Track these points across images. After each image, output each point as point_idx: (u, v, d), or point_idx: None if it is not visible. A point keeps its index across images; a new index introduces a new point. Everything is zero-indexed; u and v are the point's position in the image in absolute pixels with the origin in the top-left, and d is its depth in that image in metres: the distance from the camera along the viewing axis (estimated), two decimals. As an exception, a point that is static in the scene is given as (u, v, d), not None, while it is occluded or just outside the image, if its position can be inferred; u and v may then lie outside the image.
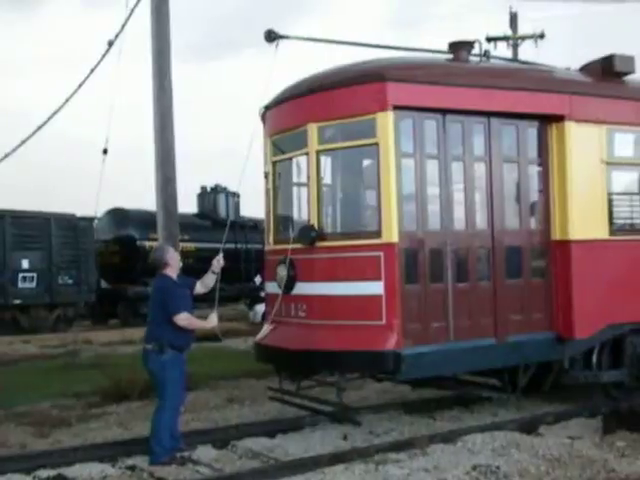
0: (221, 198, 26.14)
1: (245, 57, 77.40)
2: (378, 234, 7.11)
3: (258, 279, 17.73)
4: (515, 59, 17.71)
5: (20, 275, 20.67)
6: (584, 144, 8.08)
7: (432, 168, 7.44)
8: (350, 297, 7.09)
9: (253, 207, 24.94)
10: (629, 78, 8.90)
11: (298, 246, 7.43)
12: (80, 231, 22.04)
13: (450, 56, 8.15)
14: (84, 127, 56.28)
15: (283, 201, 8.34)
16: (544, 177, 8.08)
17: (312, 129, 7.41)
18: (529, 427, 7.55)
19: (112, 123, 10.21)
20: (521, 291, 7.78)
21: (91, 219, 22.25)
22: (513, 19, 25.09)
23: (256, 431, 7.74)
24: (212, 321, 7.07)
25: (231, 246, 24.88)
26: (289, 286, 7.51)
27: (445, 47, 8.24)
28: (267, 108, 8.23)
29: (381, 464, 6.38)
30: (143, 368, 7.14)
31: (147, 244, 21.44)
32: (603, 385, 8.54)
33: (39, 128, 13.15)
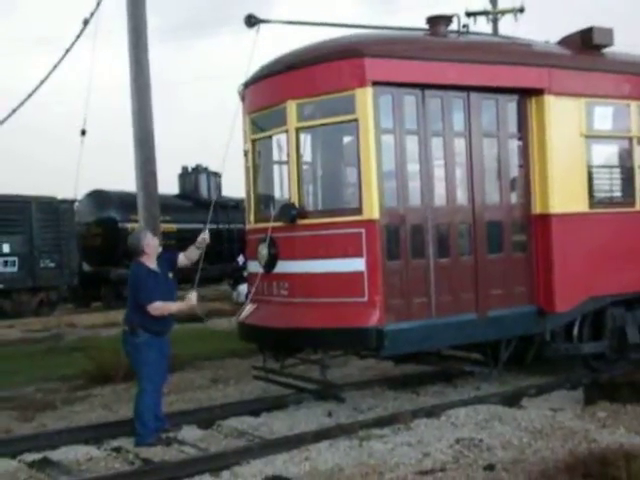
0: (202, 178, 25.97)
1: (224, 36, 76.59)
2: (359, 211, 7.10)
3: (241, 259, 17.67)
4: (494, 34, 17.68)
5: (1, 259, 20.47)
6: (563, 117, 8.08)
7: (412, 144, 7.41)
8: (332, 274, 7.09)
9: (235, 187, 24.83)
10: (608, 51, 8.91)
11: (279, 224, 7.41)
12: (61, 214, 21.82)
13: (428, 31, 8.09)
14: (64, 107, 55.52)
15: (263, 179, 8.30)
16: (524, 151, 8.08)
17: (291, 106, 7.35)
18: (511, 400, 7.62)
19: (90, 104, 10.07)
20: (502, 266, 7.82)
21: (72, 201, 22.01)
22: (493, -6, 25.00)
23: (241, 410, 7.76)
24: (190, 301, 6.99)
25: (213, 226, 24.76)
26: (270, 264, 7.50)
27: (423, 23, 8.18)
28: (246, 86, 8.15)
29: (365, 440, 6.42)
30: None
31: (129, 226, 21.23)
32: (584, 357, 8.64)
33: (14, 111, 12.93)
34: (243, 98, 8.29)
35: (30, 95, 12.64)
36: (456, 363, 8.48)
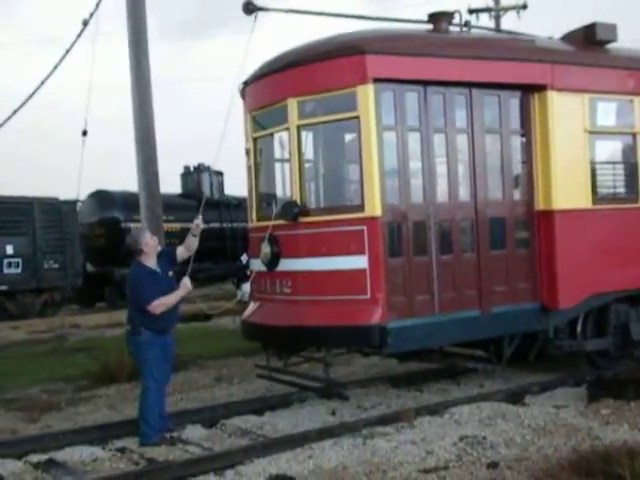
0: (205, 177, 25.96)
1: (225, 35, 76.61)
2: (361, 208, 7.08)
3: (244, 258, 17.65)
4: (497, 29, 17.63)
5: (5, 261, 20.50)
6: (567, 113, 8.05)
7: (414, 141, 7.38)
8: (334, 272, 7.07)
9: (237, 186, 24.83)
10: (611, 46, 8.87)
11: (281, 222, 7.39)
12: (64, 215, 21.84)
13: (430, 27, 8.06)
14: (65, 108, 55.60)
15: (265, 177, 8.28)
16: (527, 147, 8.06)
17: (292, 104, 7.33)
18: (515, 397, 7.59)
19: (91, 104, 10.06)
20: (505, 262, 7.79)
21: (74, 202, 22.05)
22: (495, -10, 24.90)
23: (245, 409, 7.76)
24: (186, 286, 6.91)
25: (216, 225, 24.80)
26: (273, 263, 7.48)
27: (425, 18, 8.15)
28: (246, 84, 8.14)
29: (369, 438, 6.40)
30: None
31: (132, 226, 21.27)
32: (588, 354, 8.61)
33: (15, 112, 12.92)
34: (243, 96, 8.28)
35: (31, 96, 12.63)
36: (459, 360, 8.47)
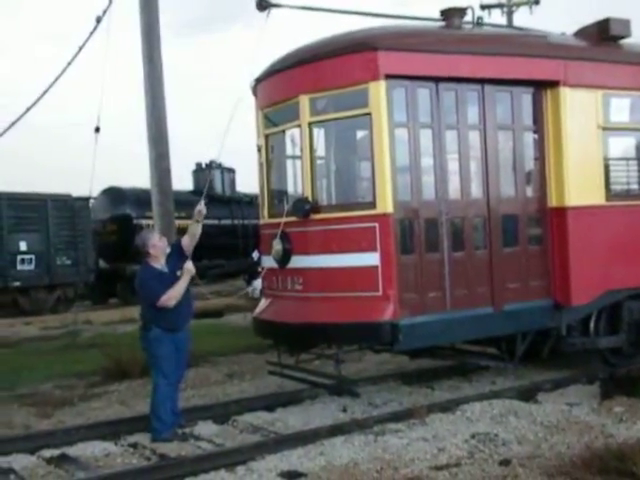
0: (216, 174, 26.04)
1: (238, 31, 76.69)
2: (373, 205, 7.07)
3: (255, 254, 17.68)
4: (509, 25, 17.54)
5: (19, 257, 20.63)
6: (580, 110, 8.00)
7: (426, 137, 7.36)
8: (346, 269, 7.07)
9: (249, 183, 24.88)
10: (625, 42, 8.80)
11: (292, 219, 7.39)
12: (77, 211, 21.96)
13: (442, 23, 8.03)
14: (77, 105, 55.82)
15: (277, 174, 8.28)
16: (539, 144, 8.01)
17: (304, 101, 7.33)
18: (527, 395, 7.58)
19: (104, 101, 10.11)
20: (518, 259, 7.76)
21: (87, 199, 22.17)
22: (508, -14, 24.77)
23: (256, 405, 7.78)
24: (189, 270, 6.84)
25: (228, 222, 24.86)
26: (284, 259, 7.49)
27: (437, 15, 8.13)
28: (258, 81, 8.14)
29: (380, 435, 6.40)
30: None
31: (144, 222, 21.38)
32: (600, 351, 8.56)
33: (28, 110, 12.96)
34: (255, 93, 8.28)
35: (44, 93, 12.65)
36: (471, 357, 8.44)
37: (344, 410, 7.56)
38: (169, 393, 6.88)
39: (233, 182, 26.88)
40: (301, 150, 7.47)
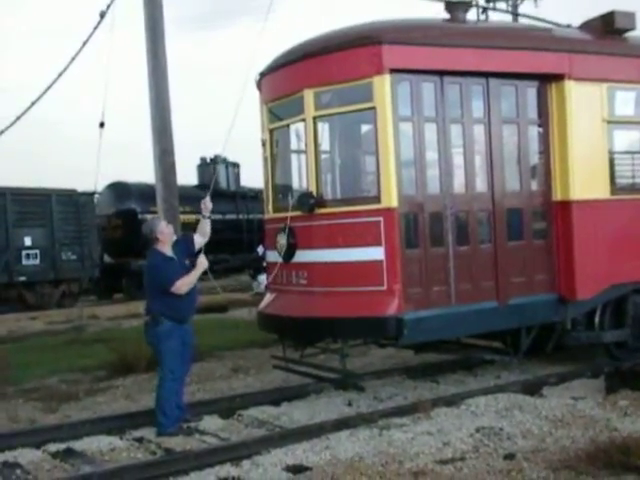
0: (221, 169, 26.05)
1: (243, 27, 76.55)
2: (377, 199, 7.06)
3: (261, 249, 17.70)
4: (515, 12, 17.44)
5: (24, 252, 20.70)
6: (584, 103, 7.97)
7: (430, 131, 7.35)
8: (351, 263, 7.07)
9: (254, 177, 24.88)
10: (630, 35, 8.76)
11: (297, 214, 7.39)
12: (81, 206, 22.01)
13: (447, 16, 8.01)
14: (81, 100, 55.80)
15: (281, 169, 8.28)
16: (544, 137, 7.99)
17: (308, 95, 7.32)
18: (532, 389, 7.57)
19: (108, 96, 10.09)
20: (522, 253, 7.75)
21: (92, 194, 22.22)
22: (512, -22, 24.67)
23: (261, 400, 7.79)
24: (202, 263, 6.92)
25: (232, 217, 24.87)
26: (289, 254, 7.49)
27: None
28: (262, 75, 8.13)
29: (385, 429, 6.41)
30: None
31: (149, 217, 21.41)
32: (605, 345, 8.55)
33: (33, 104, 12.98)
34: (259, 87, 8.27)
35: (48, 88, 12.67)
36: (476, 351, 8.45)
37: (349, 404, 7.57)
38: (175, 388, 6.89)
39: (238, 177, 26.89)
40: (306, 144, 7.46)
